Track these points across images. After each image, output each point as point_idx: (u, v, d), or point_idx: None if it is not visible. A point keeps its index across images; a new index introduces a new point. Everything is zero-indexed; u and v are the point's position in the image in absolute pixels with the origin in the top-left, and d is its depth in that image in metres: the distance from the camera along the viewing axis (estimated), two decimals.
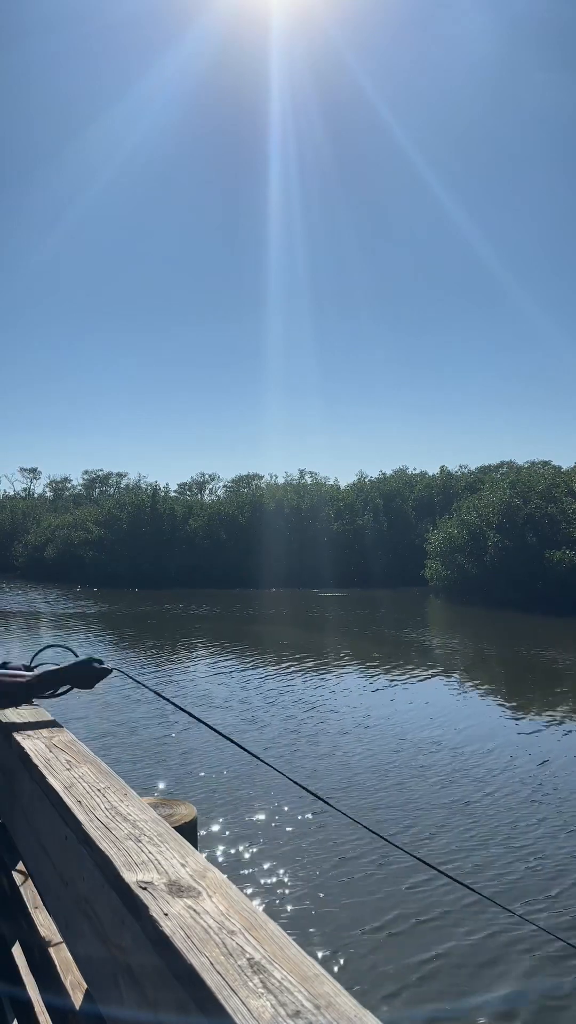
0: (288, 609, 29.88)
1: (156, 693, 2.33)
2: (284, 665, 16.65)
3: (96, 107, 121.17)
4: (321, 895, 6.15)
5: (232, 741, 2.01)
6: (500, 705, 13.12)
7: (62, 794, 1.39)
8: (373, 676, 15.42)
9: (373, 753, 9.91)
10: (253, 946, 0.85)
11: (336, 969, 5.07)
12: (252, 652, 18.67)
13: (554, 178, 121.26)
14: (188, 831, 1.96)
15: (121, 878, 1.04)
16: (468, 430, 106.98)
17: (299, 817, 7.73)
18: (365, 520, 42.41)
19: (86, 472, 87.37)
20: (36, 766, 1.60)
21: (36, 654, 2.31)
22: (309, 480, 49.91)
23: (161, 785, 8.64)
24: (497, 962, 5.18)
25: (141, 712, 12.06)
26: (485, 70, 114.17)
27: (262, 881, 6.44)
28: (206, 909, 0.94)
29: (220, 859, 6.81)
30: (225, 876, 1.03)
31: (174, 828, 1.26)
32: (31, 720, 2.03)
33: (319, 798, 2.03)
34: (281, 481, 50.24)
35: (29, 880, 2.14)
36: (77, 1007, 1.59)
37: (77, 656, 2.21)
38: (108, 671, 2.18)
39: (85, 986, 1.50)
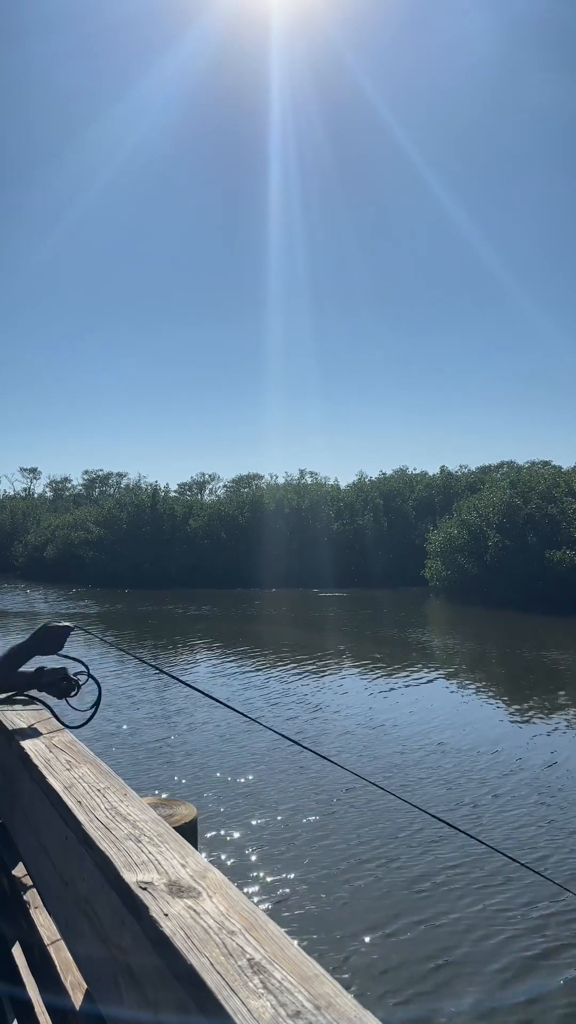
0: (288, 609, 29.88)
1: (125, 651, 2.35)
2: (286, 665, 16.64)
3: (96, 107, 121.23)
4: (323, 896, 6.14)
5: (218, 700, 2.00)
6: (503, 706, 13.11)
7: (62, 794, 1.40)
8: (375, 677, 15.41)
9: (377, 755, 9.87)
10: (253, 946, 0.85)
11: (337, 970, 5.06)
12: (253, 652, 18.67)
13: (554, 178, 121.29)
14: (188, 831, 1.96)
15: (121, 878, 1.04)
16: (468, 430, 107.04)
17: (302, 819, 7.72)
18: (365, 520, 42.41)
19: (86, 472, 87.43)
20: (36, 766, 1.60)
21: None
22: (309, 480, 49.92)
23: (163, 786, 8.63)
24: (503, 964, 5.18)
25: (143, 712, 12.06)
26: (485, 70, 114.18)
27: (263, 882, 6.43)
28: (206, 909, 0.94)
29: (222, 860, 6.81)
30: (225, 876, 1.04)
31: (174, 828, 1.26)
32: (31, 720, 2.03)
33: (319, 755, 2.03)
34: (281, 481, 50.28)
35: (29, 880, 2.14)
36: (77, 1007, 1.59)
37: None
38: (69, 627, 2.28)
39: (85, 986, 1.50)
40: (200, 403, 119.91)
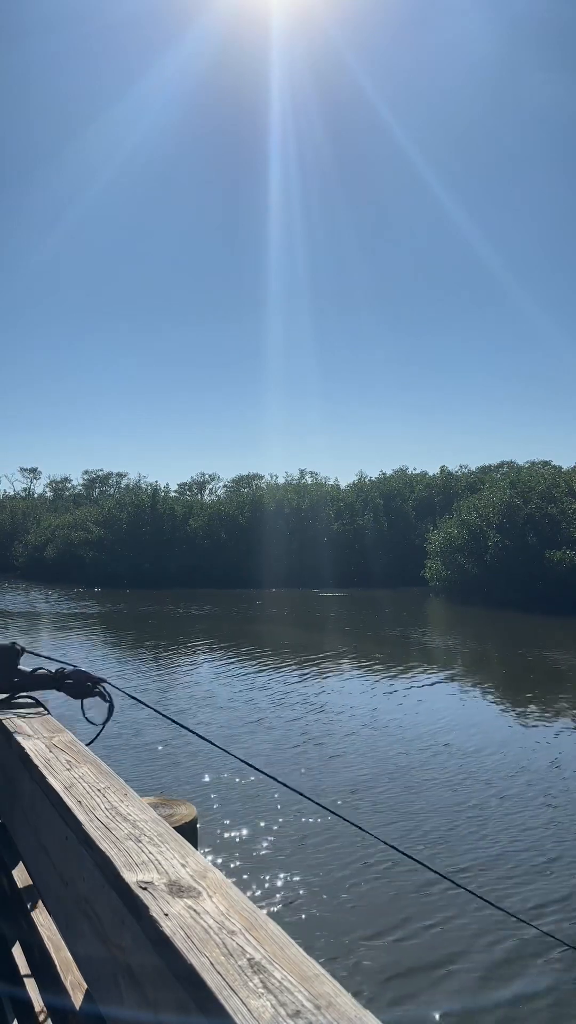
0: (289, 609, 29.88)
1: (155, 710, 2.40)
2: (288, 666, 16.64)
3: (96, 107, 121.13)
4: (324, 896, 6.13)
5: (237, 757, 2.01)
6: (506, 707, 13.08)
7: (62, 794, 1.40)
8: (377, 677, 15.40)
9: (380, 756, 9.84)
10: (253, 946, 0.85)
11: (340, 972, 5.06)
12: (255, 653, 18.66)
13: (554, 178, 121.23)
14: (188, 831, 1.96)
15: (121, 878, 1.04)
16: (468, 430, 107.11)
17: (305, 820, 7.71)
18: (365, 520, 42.41)
19: (86, 472, 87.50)
20: (36, 766, 1.60)
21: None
22: (309, 480, 49.95)
23: (165, 786, 8.62)
24: (502, 965, 5.17)
25: (145, 713, 12.05)
26: (485, 70, 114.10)
27: (264, 882, 6.43)
28: (206, 909, 0.94)
29: (223, 860, 6.80)
30: (225, 876, 1.03)
31: (174, 828, 1.26)
32: (31, 721, 2.03)
33: (331, 810, 2.04)
34: (281, 481, 50.31)
35: (29, 880, 2.14)
36: (77, 1007, 1.59)
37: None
38: (97, 690, 2.33)
39: (85, 986, 1.50)
40: (200, 403, 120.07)
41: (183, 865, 1.07)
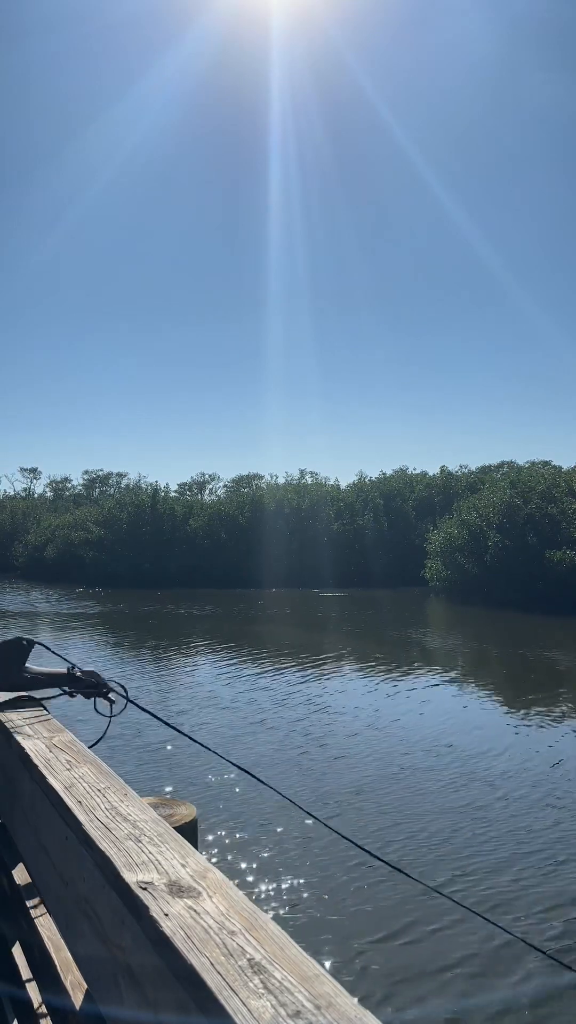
0: (289, 609, 29.87)
1: (164, 721, 2.41)
2: (289, 666, 16.63)
3: (96, 107, 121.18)
4: (326, 897, 6.12)
5: (239, 766, 2.01)
6: (507, 708, 13.06)
7: (62, 794, 1.39)
8: (379, 678, 15.39)
9: (384, 757, 9.80)
10: (253, 946, 0.85)
11: (339, 973, 5.05)
12: (256, 653, 18.66)
13: (554, 178, 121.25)
14: (188, 831, 1.96)
15: (121, 878, 1.04)
16: (468, 430, 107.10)
17: (307, 821, 7.69)
18: (365, 520, 42.41)
19: (86, 472, 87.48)
20: (36, 766, 1.60)
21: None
22: (309, 480, 49.96)
23: (168, 787, 8.60)
24: (519, 975, 5.16)
25: (147, 714, 12.03)
26: (485, 70, 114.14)
27: (264, 883, 6.42)
28: (206, 909, 0.94)
29: (223, 861, 6.79)
30: (225, 876, 1.03)
31: (174, 828, 1.26)
32: (32, 721, 2.03)
33: (334, 830, 2.04)
34: (281, 481, 50.31)
35: (29, 880, 2.14)
36: (77, 1007, 1.59)
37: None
38: (106, 692, 2.36)
39: (85, 986, 1.50)
40: (200, 403, 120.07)
41: (183, 865, 1.07)
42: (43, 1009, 1.79)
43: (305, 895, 6.17)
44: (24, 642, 2.36)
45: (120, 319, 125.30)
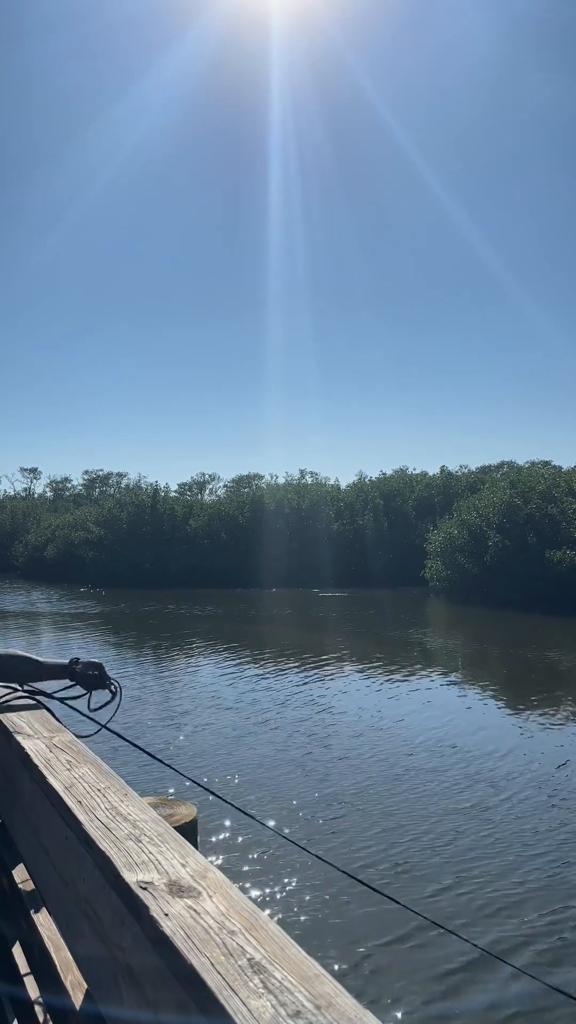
0: (290, 609, 29.86)
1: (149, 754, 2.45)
2: (291, 667, 16.62)
3: (96, 107, 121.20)
4: (327, 898, 6.11)
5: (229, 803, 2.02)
6: (510, 708, 13.04)
7: (62, 794, 1.39)
8: (381, 678, 15.38)
9: (387, 758, 9.79)
10: (254, 946, 0.85)
11: (340, 974, 5.05)
12: (258, 653, 18.65)
13: (554, 178, 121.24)
14: (188, 831, 1.96)
15: (121, 878, 1.04)
16: (468, 430, 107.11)
17: (311, 822, 7.69)
18: (365, 520, 42.40)
19: (86, 472, 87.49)
20: (36, 766, 1.60)
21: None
22: (309, 480, 49.96)
23: (170, 788, 8.58)
24: (523, 977, 5.13)
25: (149, 714, 12.04)
26: (485, 70, 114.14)
27: (265, 884, 6.41)
28: (206, 909, 0.93)
29: (223, 861, 6.79)
30: (225, 876, 1.03)
31: (174, 828, 1.26)
32: (32, 721, 2.03)
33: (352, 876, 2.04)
34: (281, 481, 50.32)
35: (29, 880, 2.14)
36: (77, 1007, 1.59)
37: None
38: (108, 684, 2.37)
39: (85, 986, 1.50)
40: (200, 403, 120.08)
41: (183, 865, 1.07)
42: (43, 1009, 1.79)
43: (306, 897, 6.16)
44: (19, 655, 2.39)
45: (120, 319, 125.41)
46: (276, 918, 5.60)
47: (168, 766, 2.38)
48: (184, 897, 0.97)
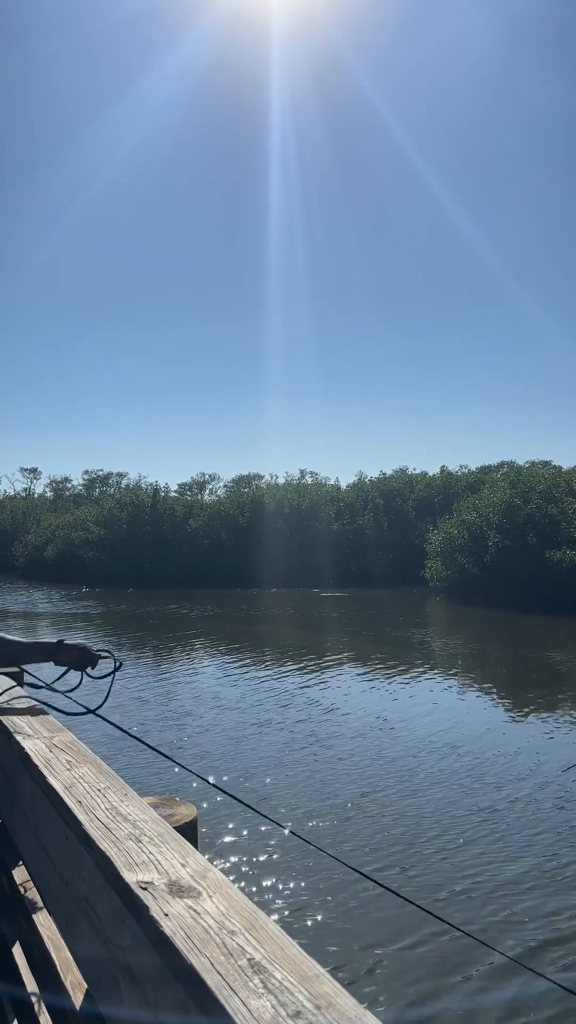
0: (290, 609, 29.86)
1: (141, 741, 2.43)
2: (292, 667, 16.61)
3: (96, 107, 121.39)
4: (328, 899, 6.10)
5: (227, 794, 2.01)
6: (512, 709, 13.00)
7: (62, 794, 1.39)
8: (382, 678, 15.37)
9: (390, 758, 9.76)
10: (254, 946, 0.85)
11: (341, 976, 5.04)
12: (259, 653, 18.64)
13: (554, 178, 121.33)
14: (188, 831, 1.95)
15: (121, 878, 1.04)
16: (468, 430, 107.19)
17: (313, 823, 7.68)
18: (365, 520, 42.40)
19: (86, 472, 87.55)
20: (36, 766, 1.60)
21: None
22: (309, 480, 49.96)
23: (172, 788, 8.57)
24: (527, 978, 5.14)
25: (152, 714, 12.03)
26: (485, 70, 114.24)
27: (265, 884, 6.41)
28: (206, 909, 0.93)
29: (223, 861, 6.78)
30: (225, 876, 1.03)
31: (174, 828, 1.26)
32: (32, 720, 2.03)
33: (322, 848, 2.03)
34: (281, 481, 50.32)
35: (29, 880, 2.14)
36: (77, 1007, 1.59)
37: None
38: (101, 657, 2.38)
39: (85, 986, 1.50)
40: (200, 403, 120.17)
41: (183, 865, 1.07)
42: (43, 1009, 1.79)
43: (306, 897, 6.16)
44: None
45: (120, 319, 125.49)
46: (281, 919, 5.60)
47: (168, 757, 2.38)
48: (184, 897, 0.97)
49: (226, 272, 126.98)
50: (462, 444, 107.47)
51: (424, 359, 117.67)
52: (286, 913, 5.88)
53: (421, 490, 45.10)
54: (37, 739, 1.82)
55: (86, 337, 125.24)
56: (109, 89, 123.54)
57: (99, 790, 1.41)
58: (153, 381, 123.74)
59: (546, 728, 11.33)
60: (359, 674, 15.83)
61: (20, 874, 2.25)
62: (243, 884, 6.28)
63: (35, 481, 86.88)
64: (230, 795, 2.16)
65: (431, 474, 48.47)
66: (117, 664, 2.41)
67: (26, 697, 2.29)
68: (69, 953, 1.52)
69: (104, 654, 2.45)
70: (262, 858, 6.84)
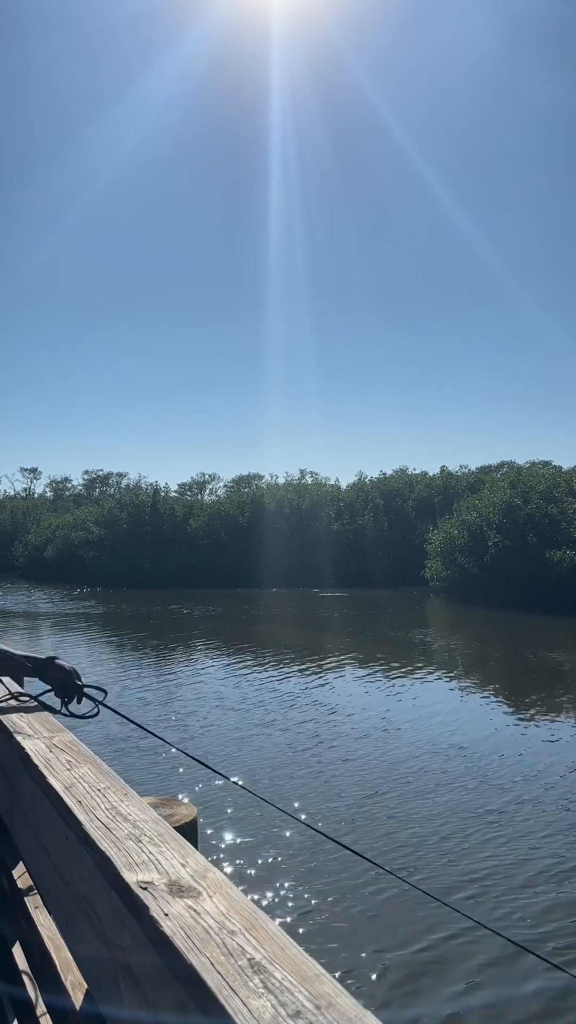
0: (291, 609, 29.86)
1: (145, 729, 2.39)
2: (295, 667, 16.60)
3: (96, 107, 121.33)
4: (330, 899, 6.08)
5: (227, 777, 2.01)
6: (515, 710, 12.94)
7: (62, 794, 1.39)
8: (385, 679, 15.35)
9: (394, 759, 9.74)
10: (254, 946, 0.85)
11: (341, 977, 5.04)
12: (260, 654, 18.63)
13: (554, 178, 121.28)
14: (188, 831, 1.95)
15: (121, 878, 1.04)
16: (468, 430, 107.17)
17: (316, 824, 7.67)
18: (365, 520, 42.40)
19: (86, 472, 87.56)
20: (36, 766, 1.59)
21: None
22: (309, 480, 49.96)
23: (173, 788, 8.56)
24: (537, 986, 5.12)
25: (155, 715, 12.02)
26: (485, 70, 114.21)
27: (266, 884, 6.40)
28: (206, 909, 0.93)
29: (224, 862, 6.78)
30: (226, 876, 1.03)
31: (174, 828, 1.26)
32: (32, 720, 2.03)
33: (327, 835, 2.03)
34: (281, 481, 50.30)
35: (29, 880, 2.14)
36: (77, 1007, 1.59)
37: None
38: (78, 690, 2.27)
39: (85, 986, 1.50)
40: (200, 403, 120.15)
41: (183, 865, 1.07)
42: (43, 1009, 1.79)
43: (307, 897, 6.15)
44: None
45: (120, 319, 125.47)
46: (282, 920, 5.60)
47: (179, 749, 2.37)
48: (184, 897, 0.97)
49: (226, 272, 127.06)
50: (462, 444, 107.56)
51: (424, 359, 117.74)
52: (287, 913, 5.88)
53: (421, 490, 45.09)
54: (37, 739, 1.82)
55: (86, 337, 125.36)
56: (109, 89, 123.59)
57: (99, 790, 1.41)
58: (153, 381, 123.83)
59: (549, 729, 11.31)
60: (361, 674, 15.82)
61: (20, 874, 2.25)
62: (243, 884, 6.27)
63: (35, 481, 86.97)
64: (249, 791, 2.15)
65: (431, 474, 48.49)
66: (95, 711, 2.29)
67: (26, 696, 2.29)
68: (69, 953, 1.52)
69: (93, 690, 2.29)
70: (263, 858, 6.83)
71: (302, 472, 51.62)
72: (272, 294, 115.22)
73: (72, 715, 2.24)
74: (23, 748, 1.74)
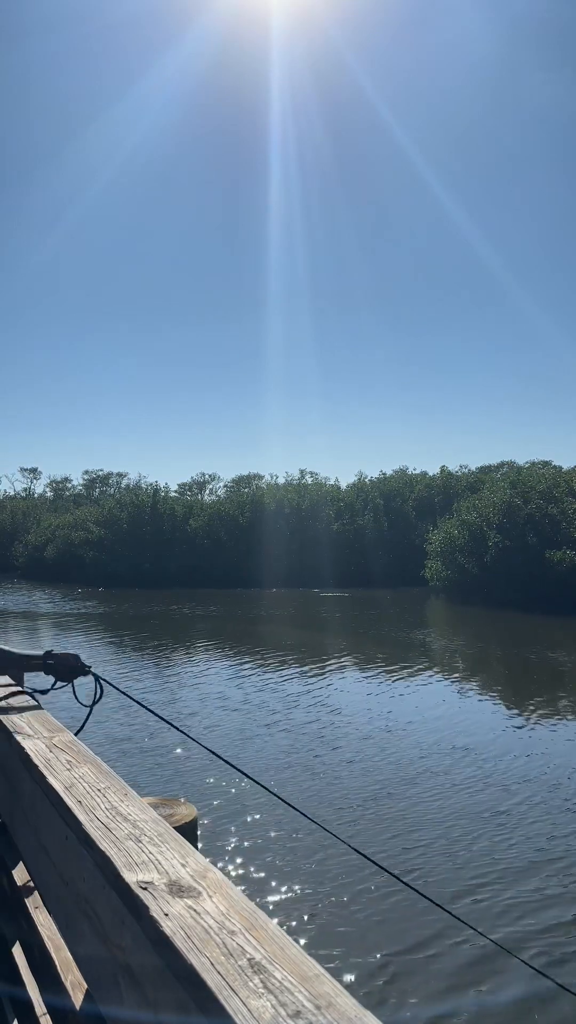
0: (291, 609, 29.86)
1: (139, 703, 2.45)
2: (296, 667, 16.58)
3: (96, 107, 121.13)
4: (331, 900, 6.07)
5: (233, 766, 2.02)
6: (519, 710, 12.89)
7: (62, 794, 1.39)
8: (387, 679, 15.33)
9: (398, 760, 9.69)
10: (254, 946, 0.85)
11: (342, 977, 5.04)
12: (262, 654, 18.61)
13: (554, 178, 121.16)
14: (188, 831, 1.96)
15: (121, 878, 1.04)
16: (468, 430, 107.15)
17: (312, 823, 7.63)
18: (365, 520, 42.40)
19: (86, 472, 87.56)
20: (36, 766, 1.60)
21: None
22: (309, 480, 49.92)
23: (175, 788, 8.54)
24: (540, 986, 5.09)
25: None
26: (485, 70, 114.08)
27: (266, 884, 6.39)
28: (206, 909, 0.93)
29: (224, 862, 6.77)
30: (225, 876, 1.03)
31: (174, 828, 1.26)
32: (31, 720, 2.03)
33: (333, 833, 2.03)
34: (281, 481, 50.29)
35: (29, 880, 2.14)
36: (77, 1007, 1.59)
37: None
38: (86, 670, 2.41)
39: (85, 986, 1.50)
40: (200, 403, 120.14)
41: (183, 865, 1.07)
42: (43, 1009, 1.79)
43: (307, 897, 6.14)
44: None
45: (120, 319, 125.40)
46: (282, 920, 5.59)
47: (192, 738, 2.38)
48: (184, 897, 0.97)
49: (226, 272, 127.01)
50: (462, 444, 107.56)
51: (424, 359, 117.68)
52: (289, 915, 5.88)
53: (421, 490, 45.09)
54: (37, 739, 1.82)
55: (86, 337, 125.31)
56: (109, 89, 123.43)
57: (99, 790, 1.41)
58: (153, 381, 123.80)
59: (552, 731, 11.29)
60: (362, 675, 15.81)
61: (20, 874, 2.25)
62: (244, 885, 6.27)
63: (35, 481, 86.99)
64: (261, 784, 2.16)
65: (431, 474, 48.49)
66: (98, 695, 2.43)
67: (26, 696, 2.29)
68: (69, 953, 1.52)
69: (88, 668, 2.49)
70: (264, 859, 6.82)
71: (302, 472, 51.61)
72: (272, 294, 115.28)
73: (85, 705, 2.35)
74: (23, 748, 1.74)
